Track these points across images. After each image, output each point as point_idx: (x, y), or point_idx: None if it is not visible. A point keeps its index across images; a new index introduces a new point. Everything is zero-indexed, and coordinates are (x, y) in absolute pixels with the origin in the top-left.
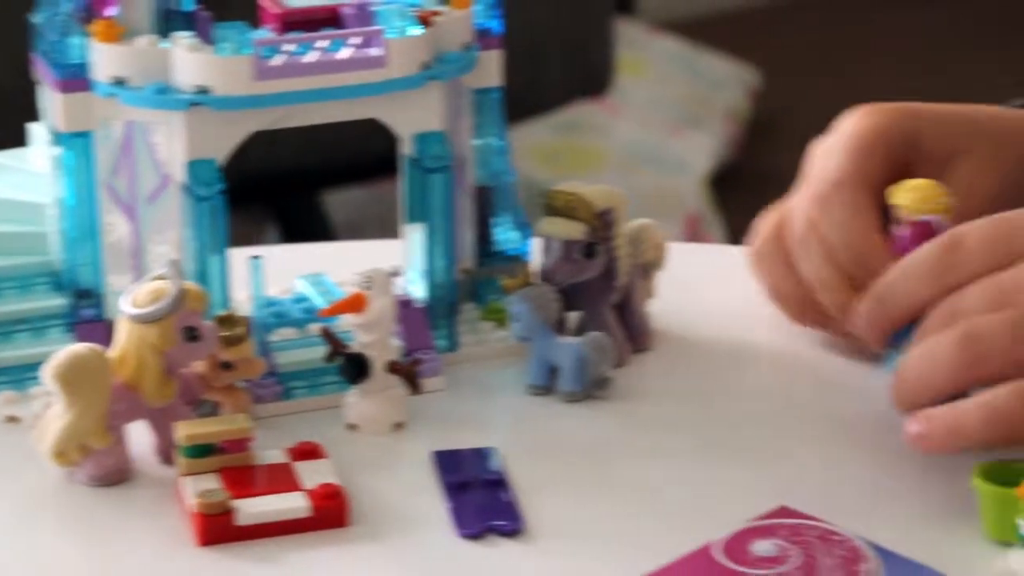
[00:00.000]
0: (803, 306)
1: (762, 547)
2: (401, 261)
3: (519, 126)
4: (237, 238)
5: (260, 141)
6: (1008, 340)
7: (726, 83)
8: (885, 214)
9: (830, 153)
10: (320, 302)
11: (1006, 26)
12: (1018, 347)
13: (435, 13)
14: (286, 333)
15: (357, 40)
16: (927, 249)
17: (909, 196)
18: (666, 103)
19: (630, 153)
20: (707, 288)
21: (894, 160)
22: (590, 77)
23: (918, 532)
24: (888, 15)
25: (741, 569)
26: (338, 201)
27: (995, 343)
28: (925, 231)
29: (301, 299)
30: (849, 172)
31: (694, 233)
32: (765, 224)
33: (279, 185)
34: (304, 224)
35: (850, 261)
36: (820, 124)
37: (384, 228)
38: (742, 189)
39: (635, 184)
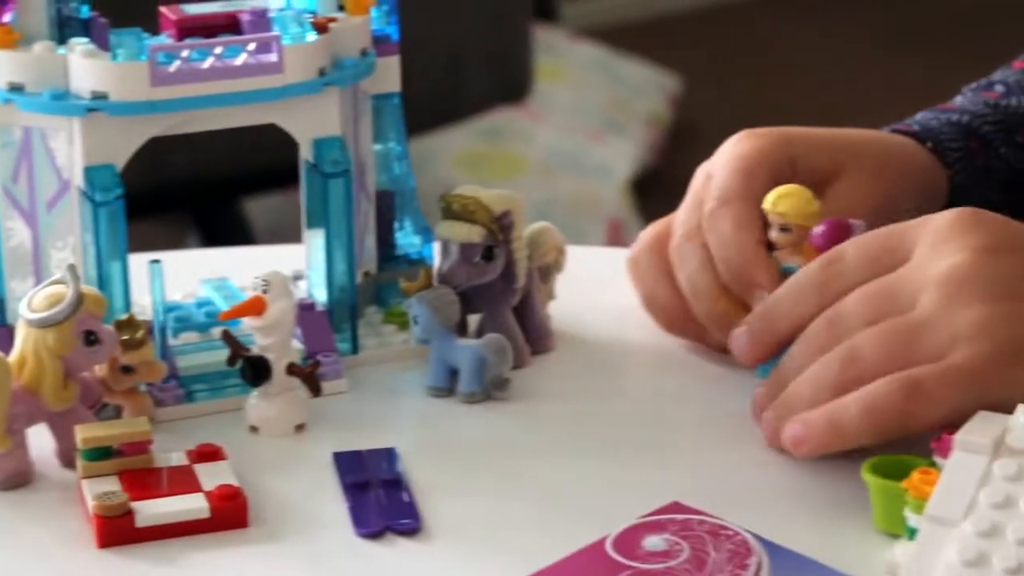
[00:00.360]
0: (674, 315)
1: (653, 542)
2: (304, 265)
3: (440, 132)
4: (158, 245)
5: (180, 148)
6: (884, 352)
7: (646, 89)
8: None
9: (715, 173)
10: (223, 306)
11: (920, 35)
12: (894, 360)
13: (332, 19)
14: (189, 337)
15: (254, 46)
16: (809, 267)
17: (788, 202)
18: (587, 109)
19: (552, 159)
20: (607, 291)
21: (776, 180)
22: (510, 83)
23: (807, 526)
24: (804, 23)
25: (631, 563)
26: (258, 207)
27: (874, 356)
28: (835, 231)
29: (204, 303)
30: (735, 190)
31: (616, 237)
32: (646, 233)
33: (199, 192)
34: (225, 231)
35: (734, 272)
36: (739, 128)
37: (303, 234)
38: (663, 194)
39: (557, 189)
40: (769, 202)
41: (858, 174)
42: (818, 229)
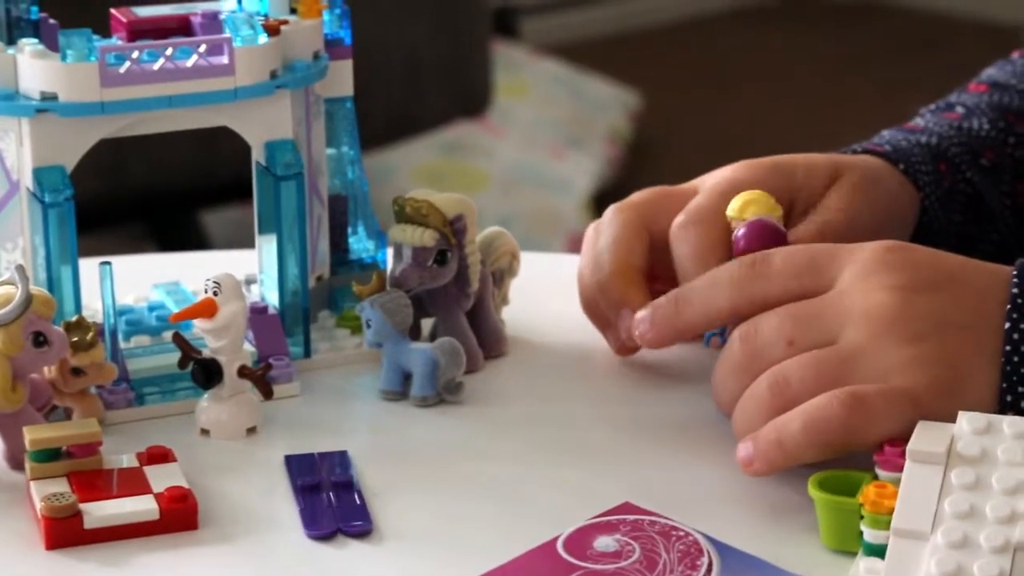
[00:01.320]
0: (591, 293)
1: (604, 542)
2: (257, 269)
3: (401, 146)
4: (115, 255)
5: (138, 158)
6: (813, 380)
7: (607, 105)
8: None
9: (703, 188)
10: (175, 309)
11: (880, 49)
12: (824, 388)
13: (283, 22)
14: (140, 340)
15: (205, 48)
16: (735, 261)
17: (754, 208)
18: (548, 125)
19: (513, 174)
20: (562, 296)
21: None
22: (469, 97)
23: (758, 529)
24: (763, 39)
25: (582, 564)
26: (217, 220)
27: (803, 383)
28: (758, 230)
29: (156, 307)
30: (707, 211)
31: (577, 252)
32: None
33: (158, 203)
34: (182, 243)
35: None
36: (699, 145)
37: None
38: None
39: (518, 204)
40: (735, 208)
41: (847, 183)
42: (740, 230)
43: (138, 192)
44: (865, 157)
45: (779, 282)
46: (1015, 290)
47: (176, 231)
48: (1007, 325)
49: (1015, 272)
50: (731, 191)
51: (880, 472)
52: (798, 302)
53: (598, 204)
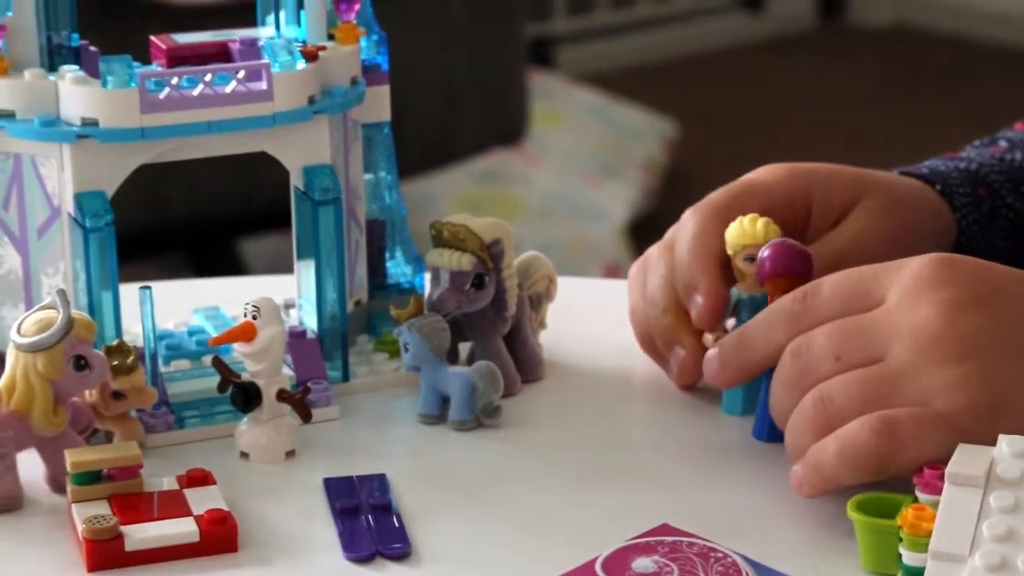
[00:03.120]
0: (643, 330)
1: (642, 563)
2: (296, 293)
3: (438, 174)
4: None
5: (178, 187)
6: (857, 398)
7: (643, 134)
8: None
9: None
10: (214, 334)
11: (914, 76)
12: (868, 407)
13: (321, 48)
14: (180, 364)
15: (243, 74)
16: (783, 298)
17: (734, 228)
18: (584, 153)
19: (549, 202)
20: (599, 321)
21: (787, 209)
22: (505, 126)
23: (797, 551)
24: (797, 66)
25: None
26: (255, 248)
27: (846, 402)
28: (783, 252)
29: (196, 331)
30: (716, 203)
31: None
32: (652, 247)
33: (196, 232)
34: (221, 271)
35: (681, 277)
36: (735, 173)
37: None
38: (659, 238)
39: (554, 233)
40: (737, 230)
41: (872, 205)
42: (765, 251)
43: (177, 221)
44: (898, 177)
45: (831, 308)
46: None
47: (215, 259)
48: None
49: None
50: (744, 191)
51: (920, 495)
52: (848, 318)
53: (634, 232)
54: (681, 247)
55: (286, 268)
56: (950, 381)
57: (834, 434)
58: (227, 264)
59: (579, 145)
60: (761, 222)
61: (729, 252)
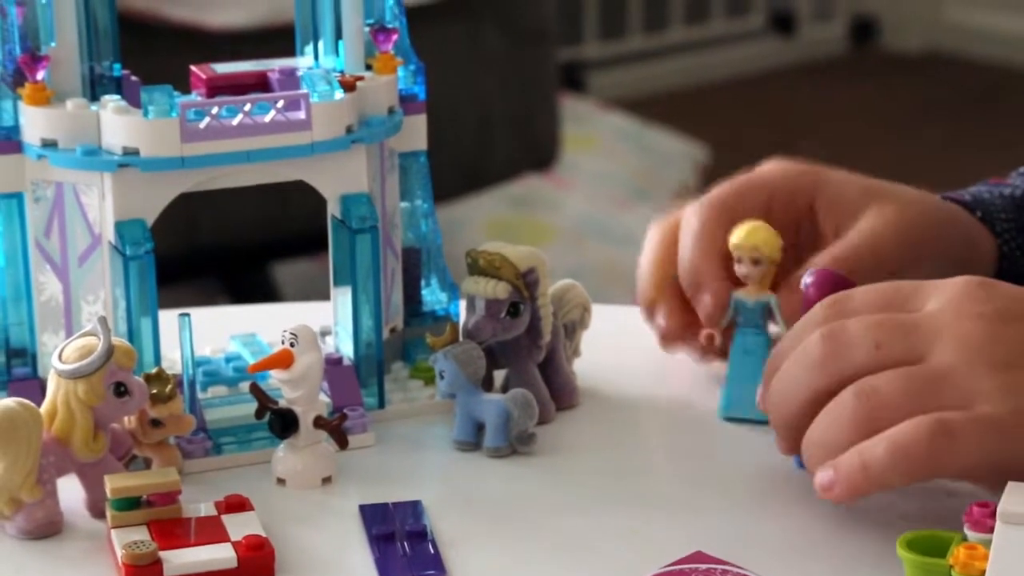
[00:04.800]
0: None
1: None
2: (332, 321)
3: (470, 199)
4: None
5: (211, 214)
6: (904, 393)
7: (674, 158)
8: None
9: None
10: (251, 360)
11: (946, 101)
12: (915, 401)
13: (359, 78)
14: (217, 391)
15: (282, 103)
16: (813, 309)
17: (760, 235)
18: (615, 178)
19: (580, 227)
20: (632, 348)
21: (788, 206)
22: (538, 151)
23: None
24: (829, 92)
25: None
26: (288, 273)
27: (892, 396)
28: (829, 281)
29: (233, 358)
30: (724, 197)
31: None
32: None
33: (230, 258)
34: (254, 297)
35: (684, 269)
36: None
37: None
38: None
39: (586, 257)
40: (740, 235)
41: (887, 209)
42: (808, 279)
43: (210, 246)
44: (910, 188)
45: (865, 310)
46: None
47: (247, 284)
48: None
49: None
50: (747, 185)
51: (969, 533)
52: (885, 313)
53: None
54: (685, 242)
55: (318, 293)
56: (995, 387)
57: (884, 434)
58: (259, 289)
59: (610, 170)
60: (764, 234)
61: (733, 254)
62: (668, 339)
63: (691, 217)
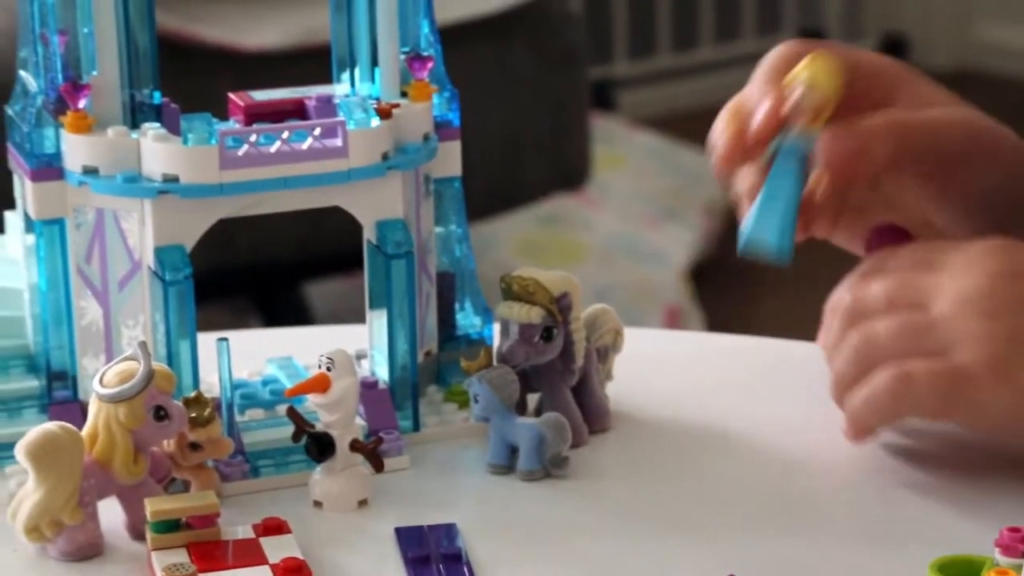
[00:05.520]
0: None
1: None
2: (367, 344)
3: (501, 218)
4: (220, 328)
5: (244, 233)
6: (895, 340)
7: (704, 177)
8: None
9: None
10: (287, 384)
11: None
12: (904, 349)
13: (395, 105)
14: (254, 414)
15: (319, 131)
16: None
17: (817, 64)
18: (645, 197)
19: (610, 246)
20: (665, 372)
21: (877, 86)
22: (568, 171)
23: None
24: None
25: None
26: (319, 292)
27: (887, 342)
28: (888, 235)
29: (270, 381)
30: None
31: (673, 324)
32: None
33: (262, 277)
34: (286, 316)
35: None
36: None
37: (364, 318)
38: (721, 281)
39: (616, 276)
40: (797, 67)
41: (962, 109)
42: (871, 232)
43: (243, 266)
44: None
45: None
46: None
47: (279, 305)
48: None
49: None
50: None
51: (999, 558)
52: (900, 283)
53: (695, 276)
54: (751, 83)
55: (350, 312)
56: (976, 333)
57: (865, 381)
58: (291, 308)
59: (640, 188)
60: (821, 63)
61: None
62: (721, 161)
63: (761, 64)
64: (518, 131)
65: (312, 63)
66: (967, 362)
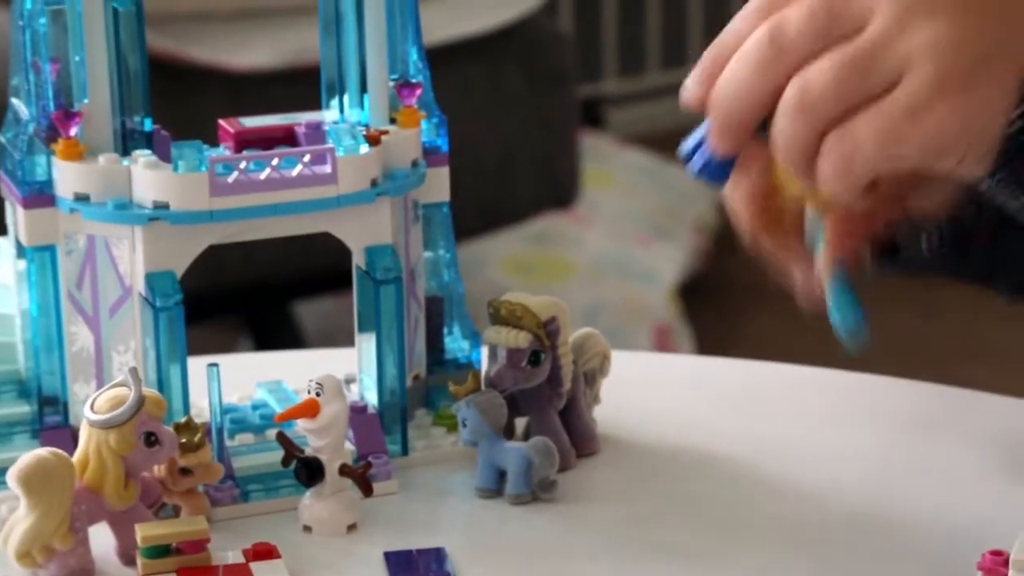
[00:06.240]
0: None
1: None
2: (356, 368)
3: (490, 237)
4: (210, 348)
5: (234, 254)
6: (836, 85)
7: (693, 195)
8: None
9: None
10: (277, 408)
11: None
12: (849, 94)
13: (384, 132)
14: (244, 438)
15: (309, 158)
16: (755, 40)
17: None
18: (634, 215)
19: (599, 264)
20: (652, 395)
21: None
22: (558, 190)
23: None
24: None
25: None
26: (310, 311)
27: (826, 90)
28: None
29: (259, 405)
30: None
31: (663, 343)
32: None
33: (252, 296)
34: (276, 334)
35: None
36: None
37: (355, 339)
38: (710, 300)
39: (605, 294)
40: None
41: None
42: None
43: (233, 286)
44: None
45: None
46: None
47: (269, 324)
48: None
49: None
50: None
51: None
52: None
53: (684, 295)
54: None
55: (341, 331)
56: (925, 44)
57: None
58: (281, 328)
59: (629, 206)
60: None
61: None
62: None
63: None
64: (508, 150)
65: (303, 83)
66: (914, 88)
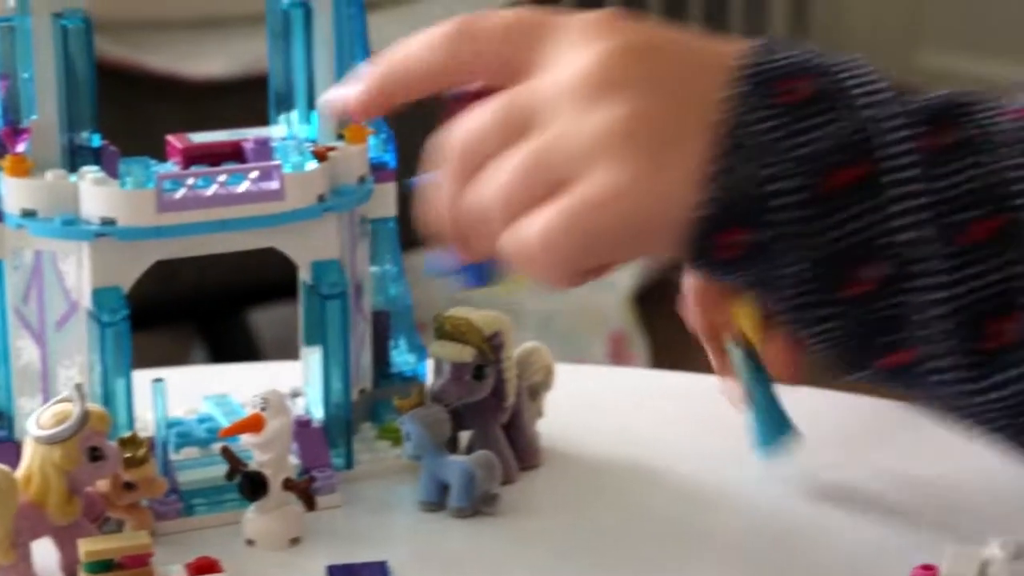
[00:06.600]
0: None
1: None
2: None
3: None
4: (163, 357)
5: (189, 262)
6: (522, 192)
7: None
8: None
9: None
10: (223, 422)
11: None
12: (537, 198)
13: (331, 148)
14: (189, 452)
15: (256, 174)
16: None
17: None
18: None
19: None
20: (598, 408)
21: None
22: None
23: None
24: None
25: None
26: (265, 318)
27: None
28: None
29: (206, 419)
30: None
31: (618, 350)
32: None
33: (206, 304)
34: (230, 343)
35: None
36: None
37: None
38: (666, 307)
39: (559, 301)
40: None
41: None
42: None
43: (186, 293)
44: None
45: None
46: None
47: (223, 332)
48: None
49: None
50: None
51: None
52: (497, 99)
53: (641, 301)
54: None
55: (294, 339)
56: (609, 129)
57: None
58: (235, 335)
59: None
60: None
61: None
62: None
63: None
64: None
65: (258, 92)
66: (601, 179)
